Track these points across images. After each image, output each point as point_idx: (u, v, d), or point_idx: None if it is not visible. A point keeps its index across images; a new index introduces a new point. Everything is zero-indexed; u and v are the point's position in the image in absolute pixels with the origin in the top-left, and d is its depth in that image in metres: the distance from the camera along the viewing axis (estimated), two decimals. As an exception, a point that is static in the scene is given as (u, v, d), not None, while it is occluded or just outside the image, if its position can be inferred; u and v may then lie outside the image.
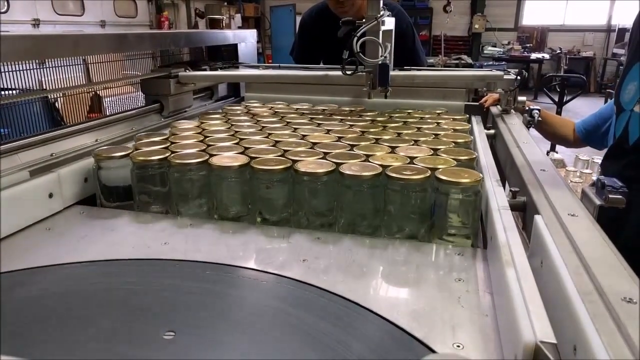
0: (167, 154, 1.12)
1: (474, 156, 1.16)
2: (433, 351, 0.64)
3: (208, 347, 0.64)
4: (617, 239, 0.74)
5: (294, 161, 1.06)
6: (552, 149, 4.61)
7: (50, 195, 1.07)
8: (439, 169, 1.00)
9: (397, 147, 1.21)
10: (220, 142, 1.25)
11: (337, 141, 1.29)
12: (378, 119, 1.59)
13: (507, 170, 1.28)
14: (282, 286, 0.80)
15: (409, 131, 1.41)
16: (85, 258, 0.88)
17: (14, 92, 3.74)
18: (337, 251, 0.92)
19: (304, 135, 1.35)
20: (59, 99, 4.50)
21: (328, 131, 1.41)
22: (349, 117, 1.62)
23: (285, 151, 1.16)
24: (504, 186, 1.08)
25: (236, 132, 1.39)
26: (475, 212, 0.98)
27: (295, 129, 1.44)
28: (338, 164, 1.03)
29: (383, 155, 1.14)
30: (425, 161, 1.08)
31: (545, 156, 1.19)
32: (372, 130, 1.42)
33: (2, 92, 3.46)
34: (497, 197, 0.95)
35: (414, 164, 1.07)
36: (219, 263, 0.87)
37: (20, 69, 3.72)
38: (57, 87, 3.92)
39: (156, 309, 0.73)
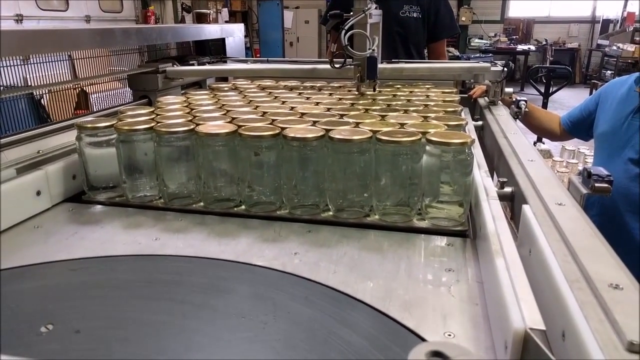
0: (153, 124, 1.08)
1: (464, 122, 1.15)
2: (424, 340, 0.64)
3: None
4: None
5: (283, 128, 1.03)
6: (539, 139, 4.65)
7: (38, 193, 1.06)
8: (430, 132, 0.98)
9: (387, 115, 1.20)
10: (207, 114, 1.22)
11: (326, 111, 1.27)
12: (368, 92, 1.57)
13: (495, 161, 1.29)
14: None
15: (399, 102, 1.41)
16: (76, 255, 0.88)
17: (-2, 88, 3.68)
18: (328, 244, 0.92)
19: (292, 107, 1.33)
20: (44, 95, 4.44)
21: (317, 103, 1.39)
22: (338, 92, 1.61)
23: (274, 120, 1.13)
24: (492, 177, 1.09)
25: (223, 105, 1.37)
26: (467, 176, 0.96)
27: (284, 101, 1.42)
28: (328, 130, 1.01)
29: (373, 123, 1.11)
30: (416, 127, 1.06)
31: (532, 147, 1.20)
32: (361, 102, 1.41)
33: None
34: (486, 188, 0.96)
35: (404, 129, 1.04)
36: (211, 258, 0.87)
37: (4, 65, 3.66)
38: (42, 83, 3.86)
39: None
